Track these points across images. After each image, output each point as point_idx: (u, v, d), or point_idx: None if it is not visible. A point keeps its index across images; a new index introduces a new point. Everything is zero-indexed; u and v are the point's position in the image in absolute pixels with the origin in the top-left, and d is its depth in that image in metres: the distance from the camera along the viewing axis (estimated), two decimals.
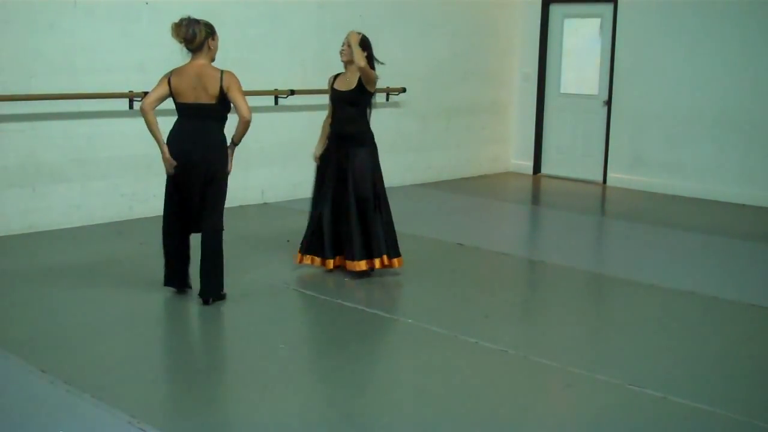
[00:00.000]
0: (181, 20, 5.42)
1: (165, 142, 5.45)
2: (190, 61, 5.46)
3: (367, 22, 9.33)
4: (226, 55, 8.44)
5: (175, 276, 5.71)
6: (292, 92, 8.80)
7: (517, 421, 4.08)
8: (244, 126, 5.53)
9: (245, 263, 6.60)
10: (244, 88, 8.54)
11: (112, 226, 7.35)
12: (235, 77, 5.49)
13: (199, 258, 5.55)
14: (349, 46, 6.06)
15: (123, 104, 7.67)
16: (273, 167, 9.06)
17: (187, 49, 5.44)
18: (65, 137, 7.52)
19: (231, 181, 8.78)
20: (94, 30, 7.55)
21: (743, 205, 9.44)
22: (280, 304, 5.77)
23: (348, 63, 6.15)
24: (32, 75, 7.22)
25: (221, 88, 5.40)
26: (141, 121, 5.48)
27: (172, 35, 5.40)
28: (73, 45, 7.44)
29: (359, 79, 6.07)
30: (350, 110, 6.15)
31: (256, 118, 8.76)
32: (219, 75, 5.42)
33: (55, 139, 7.46)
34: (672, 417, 4.12)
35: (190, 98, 5.41)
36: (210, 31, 5.48)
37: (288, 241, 7.24)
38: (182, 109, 5.47)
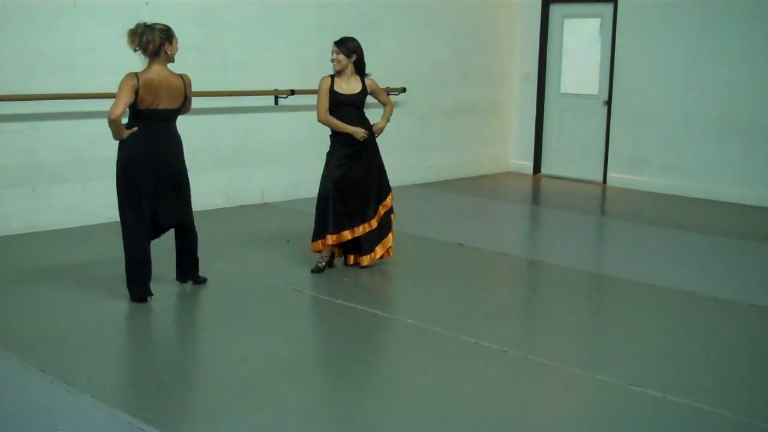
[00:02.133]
0: (137, 26, 5.38)
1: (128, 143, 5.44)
2: (149, 67, 5.39)
3: (367, 22, 9.36)
4: (227, 55, 8.53)
5: (146, 285, 5.59)
6: (292, 92, 8.80)
7: (517, 421, 4.07)
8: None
9: (245, 263, 6.61)
10: (244, 88, 8.71)
11: (112, 226, 7.31)
12: (190, 79, 5.62)
13: (180, 250, 5.85)
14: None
15: None
16: (273, 167, 9.07)
17: (144, 55, 5.39)
18: (65, 137, 7.52)
19: (231, 180, 8.89)
20: (94, 30, 7.55)
21: (744, 205, 9.45)
22: (279, 303, 5.76)
23: (341, 70, 6.31)
24: (32, 75, 7.22)
25: (185, 94, 5.53)
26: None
27: (127, 43, 5.38)
28: (73, 45, 7.44)
29: (363, 83, 6.36)
30: (356, 111, 6.38)
31: (257, 118, 8.91)
32: (181, 82, 5.50)
33: (55, 139, 7.46)
34: (672, 417, 4.12)
35: (153, 105, 5.37)
36: (166, 37, 5.39)
37: (288, 241, 7.24)
38: (146, 115, 5.37)
